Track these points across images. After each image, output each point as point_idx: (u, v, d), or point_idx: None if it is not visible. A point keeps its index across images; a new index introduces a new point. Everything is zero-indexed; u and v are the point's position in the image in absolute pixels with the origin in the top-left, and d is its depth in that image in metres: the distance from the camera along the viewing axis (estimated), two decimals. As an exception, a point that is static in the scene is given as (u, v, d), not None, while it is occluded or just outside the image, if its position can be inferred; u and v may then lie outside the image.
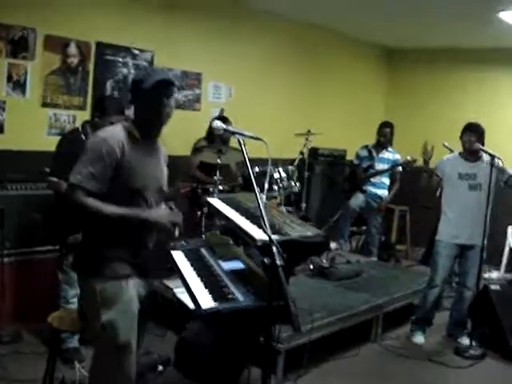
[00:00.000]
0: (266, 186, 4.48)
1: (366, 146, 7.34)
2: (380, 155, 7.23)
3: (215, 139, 5.87)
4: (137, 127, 2.74)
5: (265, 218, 2.30)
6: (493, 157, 4.81)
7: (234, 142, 5.82)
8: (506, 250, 7.78)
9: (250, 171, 2.49)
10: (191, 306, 4.05)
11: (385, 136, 7.21)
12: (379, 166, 7.17)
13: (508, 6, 6.01)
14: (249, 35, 7.12)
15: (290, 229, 2.55)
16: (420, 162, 5.29)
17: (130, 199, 2.67)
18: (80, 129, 4.36)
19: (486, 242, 4.94)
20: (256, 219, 2.71)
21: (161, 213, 2.78)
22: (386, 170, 7.10)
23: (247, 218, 2.75)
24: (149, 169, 2.75)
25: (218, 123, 2.69)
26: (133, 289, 2.74)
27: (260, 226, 2.53)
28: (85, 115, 5.40)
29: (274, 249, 2.21)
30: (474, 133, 4.92)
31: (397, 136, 7.45)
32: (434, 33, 7.79)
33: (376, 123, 7.57)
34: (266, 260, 2.19)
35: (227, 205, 3.15)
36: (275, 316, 2.28)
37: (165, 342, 4.47)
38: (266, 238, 2.31)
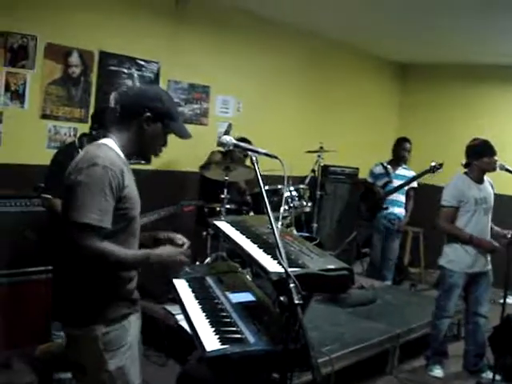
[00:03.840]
0: (282, 209, 4.18)
1: (381, 163, 6.99)
2: (396, 172, 6.89)
3: (228, 156, 5.59)
4: (127, 146, 2.40)
5: (280, 248, 2.00)
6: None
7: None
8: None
9: (264, 192, 2.19)
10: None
11: (407, 150, 6.87)
12: (397, 183, 6.82)
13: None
14: (259, 47, 6.87)
15: (309, 259, 2.24)
16: None
17: (124, 230, 2.32)
18: (76, 142, 4.11)
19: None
20: (270, 248, 2.40)
21: (169, 250, 2.40)
22: (411, 181, 6.68)
23: (260, 247, 2.44)
24: (137, 192, 2.43)
25: (227, 138, 2.40)
26: (134, 325, 2.43)
27: (275, 257, 2.23)
28: (86, 128, 5.12)
29: (292, 285, 1.90)
30: (495, 153, 4.64)
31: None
32: (449, 48, 7.57)
33: (389, 141, 7.25)
34: (282, 298, 1.88)
35: (236, 229, 2.84)
36: (291, 361, 1.97)
37: (166, 372, 4.16)
38: (281, 270, 2.00)
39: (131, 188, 2.35)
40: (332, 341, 4.23)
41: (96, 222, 2.16)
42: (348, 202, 7.78)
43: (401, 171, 6.90)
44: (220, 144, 2.41)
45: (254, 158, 2.31)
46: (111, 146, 2.35)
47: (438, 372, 4.85)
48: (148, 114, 2.35)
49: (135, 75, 5.70)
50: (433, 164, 6.32)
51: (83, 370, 2.32)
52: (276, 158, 2.40)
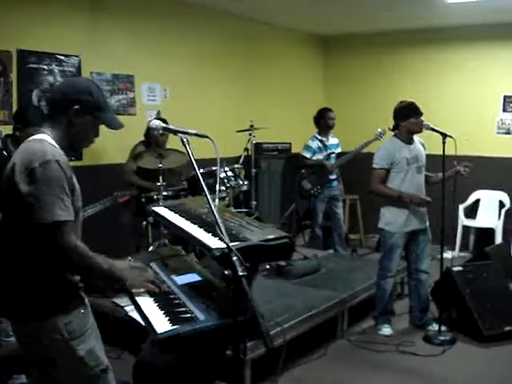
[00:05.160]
0: (218, 187, 4.20)
1: (315, 137, 7.05)
2: (330, 142, 6.99)
3: (153, 143, 5.57)
4: (61, 141, 2.36)
5: (220, 224, 2.04)
6: (445, 136, 4.67)
7: (174, 144, 5.53)
8: (459, 228, 7.76)
9: (198, 173, 2.21)
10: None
11: (333, 119, 6.96)
12: (336, 152, 6.92)
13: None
14: (181, 32, 6.82)
15: (249, 232, 2.29)
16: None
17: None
18: (0, 144, 4.01)
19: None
20: (210, 226, 2.43)
21: (133, 264, 2.48)
22: (363, 148, 6.66)
23: (200, 226, 2.48)
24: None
25: (156, 122, 2.40)
26: (89, 309, 2.47)
27: (215, 234, 2.26)
28: (11, 129, 5.01)
29: (234, 258, 1.94)
30: (421, 114, 4.78)
31: (337, 123, 7.26)
32: (369, 17, 7.68)
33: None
34: (226, 272, 1.92)
35: (175, 213, 2.86)
36: (242, 332, 2.02)
37: (122, 364, 4.13)
38: (223, 245, 2.04)
39: (75, 180, 2.35)
40: (282, 312, 4.32)
41: (66, 217, 2.18)
42: (284, 176, 7.88)
43: (331, 140, 7.02)
44: (150, 129, 2.42)
45: (184, 140, 2.33)
46: (50, 141, 2.31)
47: (386, 330, 5.02)
48: (76, 106, 2.33)
49: (56, 71, 5.58)
50: (379, 130, 6.47)
51: (53, 363, 2.32)
52: (206, 137, 2.41)
